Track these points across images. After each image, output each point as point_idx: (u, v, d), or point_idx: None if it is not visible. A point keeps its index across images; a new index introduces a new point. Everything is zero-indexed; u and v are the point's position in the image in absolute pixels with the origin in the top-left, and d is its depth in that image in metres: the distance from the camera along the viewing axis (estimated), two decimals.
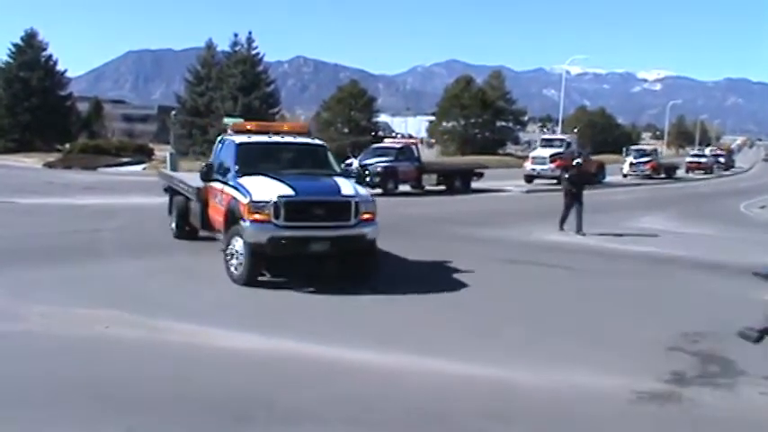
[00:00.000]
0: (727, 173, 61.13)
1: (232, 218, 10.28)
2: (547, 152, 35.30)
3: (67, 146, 44.86)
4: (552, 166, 33.65)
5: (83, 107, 64.37)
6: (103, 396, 5.72)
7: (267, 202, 9.71)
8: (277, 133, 12.17)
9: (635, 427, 5.66)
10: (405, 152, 27.62)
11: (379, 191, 23.82)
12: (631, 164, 43.13)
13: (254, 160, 11.04)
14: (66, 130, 52.24)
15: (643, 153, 45.97)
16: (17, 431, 5.09)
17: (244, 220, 9.83)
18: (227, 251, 10.13)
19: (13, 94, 51.44)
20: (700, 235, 18.59)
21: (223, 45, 56.66)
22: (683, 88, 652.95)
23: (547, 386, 6.41)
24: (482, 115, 76.18)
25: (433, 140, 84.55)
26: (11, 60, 53.02)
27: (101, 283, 9.79)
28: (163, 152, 41.80)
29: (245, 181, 10.39)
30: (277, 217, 9.67)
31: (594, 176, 32.30)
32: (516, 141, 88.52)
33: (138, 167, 38.15)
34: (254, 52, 55.14)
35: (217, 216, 11.20)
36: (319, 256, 10.29)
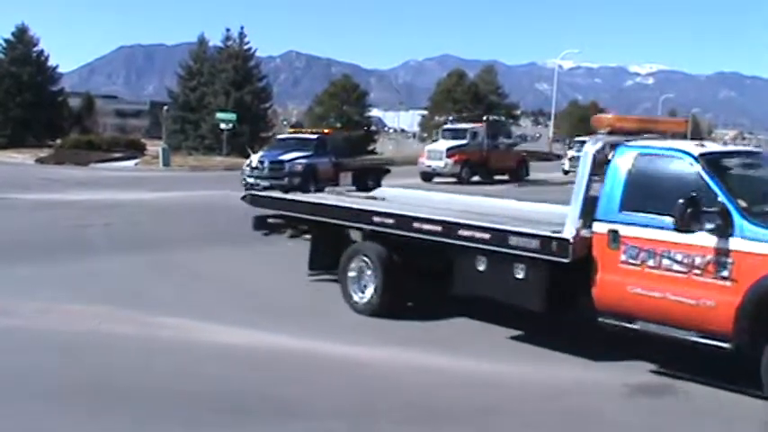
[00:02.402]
0: None
1: None
2: (444, 145, 29.74)
3: (59, 141, 44.59)
4: (450, 161, 28.88)
5: (74, 102, 63.77)
6: (101, 391, 5.74)
7: None
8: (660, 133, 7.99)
9: (629, 420, 5.70)
10: (322, 145, 23.94)
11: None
12: (572, 158, 34.37)
13: (740, 188, 6.46)
14: (58, 126, 51.84)
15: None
16: (17, 426, 5.09)
17: None
18: None
19: (4, 90, 51.01)
20: None
21: (215, 40, 56.45)
22: (676, 82, 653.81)
23: (540, 380, 6.47)
24: (474, 109, 76.17)
25: (425, 135, 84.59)
26: (1, 56, 52.63)
27: (96, 279, 9.80)
28: (155, 147, 41.71)
29: None
30: None
31: None
32: (508, 135, 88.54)
33: (131, 163, 38.02)
34: (245, 47, 54.95)
35: (673, 295, 6.20)
36: None
